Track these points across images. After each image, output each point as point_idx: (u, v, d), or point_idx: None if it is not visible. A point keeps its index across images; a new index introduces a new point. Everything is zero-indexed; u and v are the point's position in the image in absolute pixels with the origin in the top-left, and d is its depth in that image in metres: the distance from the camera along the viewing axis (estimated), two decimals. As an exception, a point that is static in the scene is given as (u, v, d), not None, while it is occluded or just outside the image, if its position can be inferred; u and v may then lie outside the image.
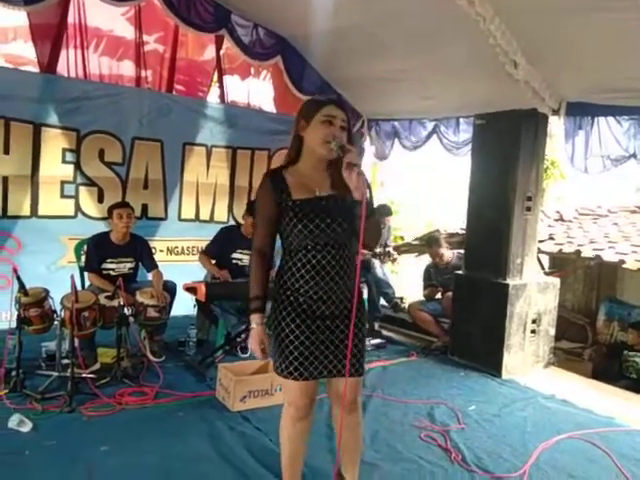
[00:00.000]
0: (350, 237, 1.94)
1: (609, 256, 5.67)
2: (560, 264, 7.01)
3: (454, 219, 7.63)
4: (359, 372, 2.01)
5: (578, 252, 5.92)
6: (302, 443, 2.07)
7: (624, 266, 5.63)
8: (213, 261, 4.28)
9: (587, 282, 7.06)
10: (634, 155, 4.02)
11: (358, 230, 1.83)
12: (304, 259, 1.90)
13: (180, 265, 4.98)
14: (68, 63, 4.62)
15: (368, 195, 1.80)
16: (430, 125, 5.59)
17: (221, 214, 5.50)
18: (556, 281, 4.44)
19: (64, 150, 4.53)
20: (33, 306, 3.22)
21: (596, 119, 4.19)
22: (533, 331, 4.19)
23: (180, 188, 5.21)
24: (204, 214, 5.40)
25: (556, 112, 4.26)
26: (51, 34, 4.43)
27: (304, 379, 1.92)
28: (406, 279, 8.72)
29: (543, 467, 2.68)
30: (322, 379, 2.00)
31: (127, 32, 4.92)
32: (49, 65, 4.44)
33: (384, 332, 5.03)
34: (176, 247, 5.24)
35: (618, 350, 5.25)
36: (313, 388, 1.99)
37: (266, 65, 5.47)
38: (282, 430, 2.06)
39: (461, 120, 5.25)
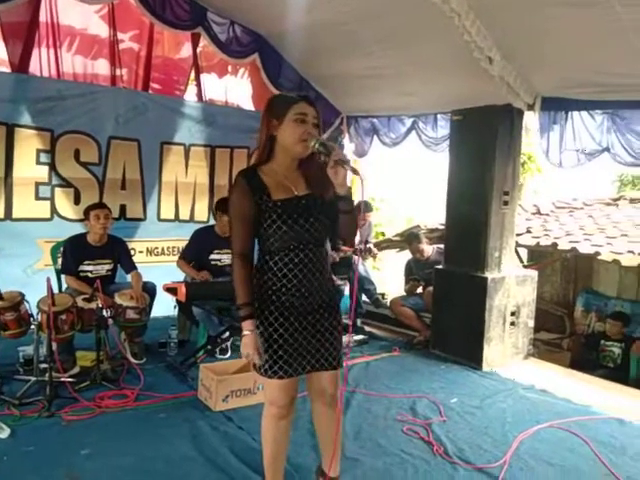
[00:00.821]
0: (327, 234, 1.96)
1: (585, 248, 5.78)
2: (538, 257, 7.13)
3: (434, 214, 7.70)
4: (340, 364, 2.04)
5: (555, 245, 6.02)
6: (284, 441, 2.07)
7: (599, 258, 5.75)
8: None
9: (564, 274, 7.19)
10: (607, 149, 4.09)
11: (339, 225, 1.89)
12: (286, 258, 1.89)
13: (160, 266, 4.93)
14: (41, 62, 4.53)
15: (349, 191, 1.85)
16: (409, 121, 5.62)
17: (201, 214, 5.46)
18: (534, 274, 4.51)
19: (38, 151, 4.45)
20: (9, 310, 3.17)
21: (570, 114, 4.26)
22: (512, 323, 4.25)
23: (159, 188, 5.16)
24: (184, 214, 5.35)
25: (531, 107, 4.31)
26: (22, 33, 4.34)
27: (289, 376, 1.92)
28: (388, 275, 8.77)
29: (523, 456, 2.73)
30: (302, 376, 2.00)
31: (101, 30, 4.85)
32: (21, 65, 4.35)
33: (366, 328, 5.06)
34: (156, 248, 5.19)
35: (595, 340, 5.36)
36: (294, 386, 2.00)
37: (243, 63, 5.44)
38: (264, 430, 2.05)
39: (439, 116, 5.29)
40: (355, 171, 1.80)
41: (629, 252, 5.51)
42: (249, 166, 1.97)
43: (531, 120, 4.54)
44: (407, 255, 5.36)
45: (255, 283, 1.94)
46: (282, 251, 1.89)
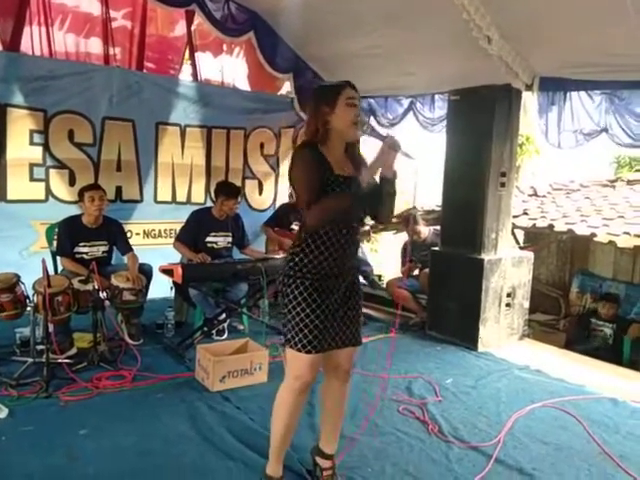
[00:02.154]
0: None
1: (581, 230, 5.80)
2: (534, 238, 7.15)
3: (431, 196, 7.68)
4: (359, 342, 2.13)
5: (551, 226, 6.04)
6: (297, 417, 2.12)
7: (595, 239, 5.77)
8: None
9: (560, 256, 7.22)
10: (605, 130, 4.06)
11: (381, 207, 2.01)
12: (334, 238, 1.97)
13: (158, 248, 4.90)
14: (32, 41, 4.44)
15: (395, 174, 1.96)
16: (406, 102, 5.56)
17: (198, 195, 5.41)
18: (530, 255, 4.52)
19: (31, 131, 4.39)
20: (4, 292, 3.16)
21: (569, 94, 4.21)
22: (508, 305, 4.27)
23: (155, 169, 5.11)
24: (181, 196, 5.31)
25: (529, 87, 4.27)
26: (13, 10, 4.26)
27: (322, 351, 2.00)
28: (384, 257, 8.79)
29: (517, 435, 2.77)
30: None
31: (93, 8, 4.74)
32: (12, 43, 4.28)
33: (363, 309, 5.06)
34: (153, 230, 5.16)
35: (586, 319, 5.40)
36: (320, 362, 2.06)
37: (239, 41, 5.35)
38: (281, 404, 2.07)
39: (436, 96, 5.22)
40: (408, 155, 1.89)
41: (625, 233, 5.52)
42: (307, 141, 2.01)
43: (529, 100, 4.49)
44: (404, 237, 5.36)
45: (297, 260, 1.99)
46: (333, 228, 1.96)
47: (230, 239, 4.32)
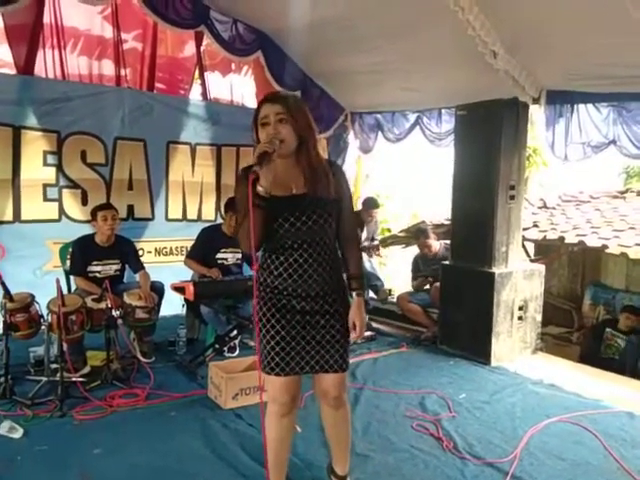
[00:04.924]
0: (329, 232, 1.94)
1: (592, 241, 5.76)
2: (545, 251, 7.12)
3: (439, 210, 7.69)
4: (342, 368, 2.00)
5: (562, 238, 6.01)
6: (286, 439, 2.06)
7: (607, 251, 5.72)
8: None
9: (572, 268, 7.17)
10: (613, 141, 4.06)
11: (342, 228, 1.97)
12: (281, 257, 1.90)
13: (169, 266, 4.95)
14: (46, 64, 4.55)
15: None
16: (413, 117, 5.60)
17: (208, 213, 5.47)
18: (541, 268, 4.50)
19: (45, 152, 4.47)
20: (19, 311, 3.18)
21: (576, 106, 4.22)
22: (520, 318, 4.24)
23: (166, 188, 5.17)
24: (191, 213, 5.36)
25: (536, 100, 4.29)
26: (27, 35, 4.36)
27: (285, 374, 1.92)
28: (394, 271, 8.77)
29: (533, 451, 2.73)
30: (308, 375, 2.01)
31: (105, 31, 4.86)
32: (26, 66, 4.38)
33: (374, 324, 5.06)
34: (164, 248, 5.21)
35: (601, 329, 5.34)
36: (294, 384, 1.98)
37: (247, 61, 5.43)
38: (267, 428, 2.04)
39: (443, 111, 5.26)
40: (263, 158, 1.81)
41: (637, 245, 5.49)
42: (246, 166, 1.97)
43: (536, 113, 4.51)
44: (413, 251, 5.36)
45: (262, 280, 1.96)
46: (277, 249, 1.90)
47: (239, 255, 4.35)
